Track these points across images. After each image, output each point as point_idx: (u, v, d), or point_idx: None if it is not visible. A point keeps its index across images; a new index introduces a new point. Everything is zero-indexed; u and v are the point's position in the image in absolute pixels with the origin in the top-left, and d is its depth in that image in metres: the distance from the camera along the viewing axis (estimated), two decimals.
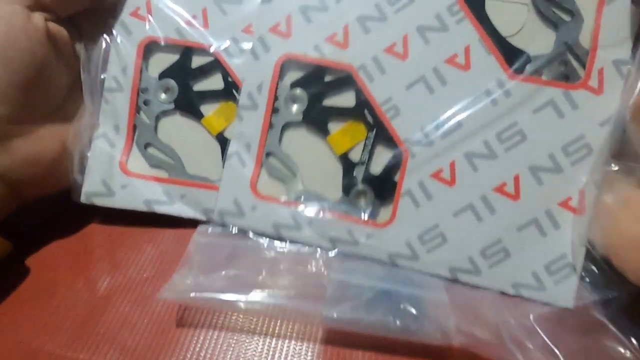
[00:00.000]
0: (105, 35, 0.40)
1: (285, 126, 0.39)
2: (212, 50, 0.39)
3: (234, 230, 0.39)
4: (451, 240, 0.37)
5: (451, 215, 0.37)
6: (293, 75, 0.39)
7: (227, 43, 0.39)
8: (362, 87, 0.38)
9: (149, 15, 0.40)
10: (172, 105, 0.40)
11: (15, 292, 0.36)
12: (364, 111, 0.38)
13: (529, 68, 0.36)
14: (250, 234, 0.38)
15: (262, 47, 0.39)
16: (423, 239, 0.37)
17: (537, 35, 0.37)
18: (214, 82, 0.40)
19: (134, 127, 0.40)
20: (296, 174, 0.39)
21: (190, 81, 0.40)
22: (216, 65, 0.40)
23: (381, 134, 0.38)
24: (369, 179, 0.38)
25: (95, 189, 0.40)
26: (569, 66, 0.36)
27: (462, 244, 0.36)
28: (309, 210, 0.38)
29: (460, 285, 0.36)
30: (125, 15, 0.40)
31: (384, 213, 0.38)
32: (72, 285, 0.36)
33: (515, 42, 0.37)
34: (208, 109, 0.40)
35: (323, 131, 0.39)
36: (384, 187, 0.38)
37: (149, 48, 0.40)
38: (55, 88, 0.38)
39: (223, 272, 0.36)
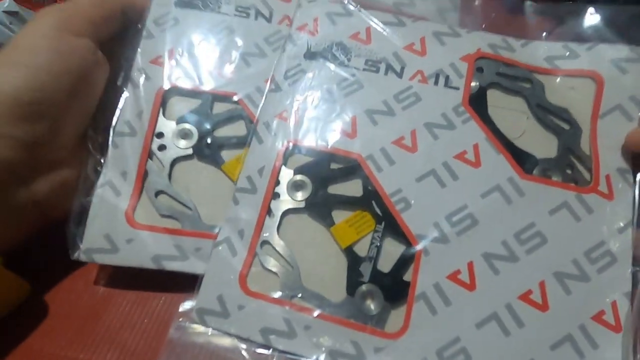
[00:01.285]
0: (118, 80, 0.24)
1: (286, 213, 0.22)
2: (236, 98, 0.24)
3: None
4: (476, 358, 0.19)
5: (474, 326, 0.20)
6: (298, 161, 0.23)
7: (251, 91, 0.25)
8: (370, 177, 0.23)
9: (171, 63, 0.25)
10: (190, 151, 0.24)
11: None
12: (371, 202, 0.22)
13: (537, 170, 0.23)
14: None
15: (267, 132, 0.24)
16: (443, 355, 0.19)
17: (539, 140, 0.23)
18: (236, 129, 0.24)
19: (145, 174, 0.23)
20: (294, 267, 0.22)
21: (211, 127, 0.24)
22: (239, 112, 0.24)
23: (391, 227, 0.21)
24: (377, 277, 0.21)
25: (96, 244, 0.22)
26: (575, 170, 0.23)
27: None
28: (306, 312, 0.20)
29: None
30: (144, 63, 0.25)
31: (395, 319, 0.20)
32: (73, 285, 0.23)
33: (521, 144, 0.23)
34: (229, 155, 0.24)
35: (327, 220, 0.22)
36: (394, 288, 0.20)
37: (168, 93, 0.25)
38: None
39: None
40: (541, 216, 0.21)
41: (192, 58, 0.25)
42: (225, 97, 0.25)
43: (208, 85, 0.25)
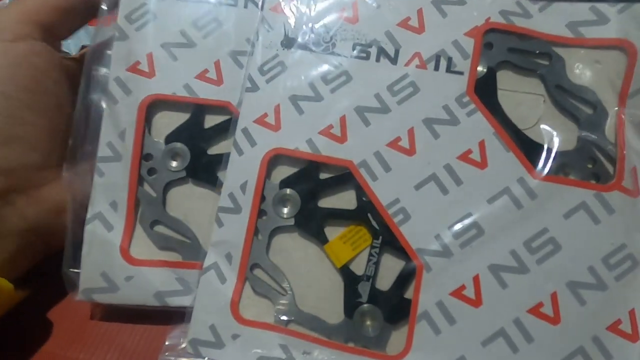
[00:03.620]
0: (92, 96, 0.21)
1: (274, 232, 0.21)
2: (231, 106, 0.21)
3: None
4: None
5: (479, 344, 0.19)
6: (282, 173, 0.21)
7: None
8: (364, 187, 0.21)
9: (152, 70, 0.21)
10: (183, 173, 0.21)
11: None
12: (367, 214, 0.20)
13: (553, 166, 0.21)
14: None
15: (246, 141, 0.21)
16: None
17: (557, 129, 0.21)
18: (232, 143, 0.21)
19: (136, 203, 0.21)
20: (287, 290, 0.21)
21: (204, 144, 0.22)
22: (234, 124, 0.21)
23: (388, 241, 0.20)
24: (376, 297, 0.20)
25: (94, 284, 0.20)
26: (597, 164, 0.20)
27: None
28: (303, 337, 0.20)
29: None
30: (120, 71, 0.21)
31: (397, 340, 0.20)
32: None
33: (535, 136, 0.21)
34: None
35: (319, 238, 0.20)
36: (394, 307, 0.19)
37: (152, 107, 0.22)
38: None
39: None
40: (555, 221, 0.19)
41: (175, 61, 0.21)
42: (218, 108, 0.21)
43: (197, 95, 0.21)
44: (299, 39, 0.22)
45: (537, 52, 0.21)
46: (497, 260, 0.19)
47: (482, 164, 0.20)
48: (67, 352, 0.21)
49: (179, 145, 0.22)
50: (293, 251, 0.21)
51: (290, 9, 0.22)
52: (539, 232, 0.19)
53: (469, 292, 0.19)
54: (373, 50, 0.21)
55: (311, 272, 0.20)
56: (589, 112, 0.20)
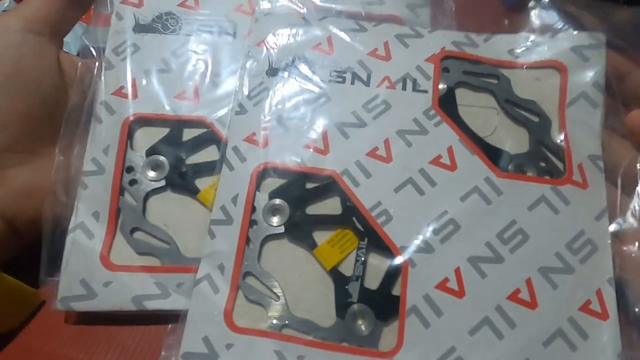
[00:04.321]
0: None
1: (265, 240, 0.22)
2: (207, 120, 0.24)
3: None
4: None
5: (467, 333, 0.20)
6: (271, 185, 0.23)
7: (221, 113, 0.24)
8: (348, 193, 0.22)
9: (135, 93, 0.24)
10: (162, 183, 0.23)
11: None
12: (352, 218, 0.22)
13: (512, 166, 0.23)
14: None
15: (236, 157, 0.23)
16: None
17: (511, 135, 0.24)
18: (209, 154, 0.24)
19: (117, 212, 0.22)
20: (279, 295, 0.21)
21: (183, 155, 0.24)
22: (210, 137, 0.24)
23: (374, 242, 0.21)
24: (366, 296, 0.20)
25: (72, 292, 0.21)
26: (549, 163, 0.23)
27: None
28: (297, 341, 0.20)
29: None
30: (107, 95, 0.24)
31: (388, 336, 0.20)
32: None
33: (493, 141, 0.23)
34: (203, 183, 0.23)
35: (308, 243, 0.21)
36: (384, 304, 0.20)
37: (134, 124, 0.24)
38: (57, 120, 0.23)
39: None
40: (521, 213, 0.21)
41: (156, 85, 0.24)
42: (194, 123, 0.24)
43: (176, 112, 0.24)
44: (283, 68, 0.25)
45: (487, 73, 0.25)
46: (474, 252, 0.21)
47: (452, 167, 0.22)
48: (67, 352, 0.21)
49: (159, 157, 0.23)
50: (284, 257, 0.21)
51: (273, 43, 0.25)
52: (508, 224, 0.21)
53: (452, 284, 0.20)
54: (348, 76, 0.24)
55: (302, 276, 0.21)
56: (536, 120, 0.24)
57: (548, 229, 0.21)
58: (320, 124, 0.23)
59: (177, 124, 0.24)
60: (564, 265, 0.20)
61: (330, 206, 0.22)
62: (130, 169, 0.23)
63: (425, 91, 0.24)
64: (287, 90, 0.24)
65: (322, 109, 0.24)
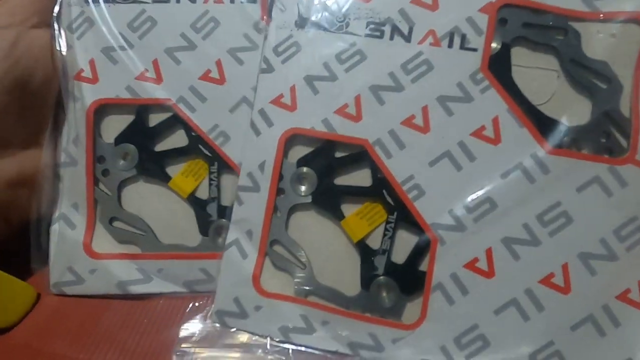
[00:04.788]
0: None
1: (293, 209, 0.21)
2: (170, 104, 0.22)
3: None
4: (494, 344, 0.20)
5: (492, 313, 0.20)
6: (299, 152, 0.22)
7: (186, 94, 0.22)
8: (379, 164, 0.21)
9: (95, 76, 0.22)
10: (134, 172, 0.23)
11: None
12: (382, 191, 0.21)
13: (566, 141, 0.21)
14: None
15: (263, 121, 0.22)
16: (461, 342, 0.20)
17: (571, 104, 0.21)
18: (177, 140, 0.23)
19: (95, 202, 0.23)
20: (306, 264, 0.22)
21: (150, 142, 0.23)
22: (177, 121, 0.22)
23: (403, 217, 0.21)
24: (392, 270, 0.21)
25: (63, 278, 0.22)
26: (611, 138, 0.21)
27: (508, 347, 0.19)
28: (322, 308, 0.21)
29: None
30: (69, 80, 0.22)
31: (412, 310, 0.21)
32: None
33: (548, 111, 0.21)
34: (174, 170, 0.23)
35: (336, 214, 0.21)
36: (409, 279, 0.20)
37: (100, 112, 0.23)
38: (44, 113, 0.23)
39: None
40: (568, 194, 0.20)
41: (114, 65, 0.22)
42: (159, 106, 0.22)
43: (139, 95, 0.22)
44: (313, 18, 0.22)
45: (552, 25, 0.21)
46: (510, 234, 0.20)
47: (496, 140, 0.20)
48: (67, 352, 0.21)
49: (128, 145, 0.23)
50: (311, 227, 0.21)
51: None
52: (551, 205, 0.20)
53: (482, 265, 0.20)
54: (387, 29, 0.22)
55: (328, 247, 0.21)
56: (604, 87, 0.21)
57: (596, 213, 0.19)
58: (353, 87, 0.21)
59: (142, 109, 0.23)
60: (608, 252, 0.19)
61: (360, 177, 0.21)
62: (101, 159, 0.23)
63: (475, 49, 0.21)
64: (317, 45, 0.22)
65: (355, 69, 0.22)
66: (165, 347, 0.21)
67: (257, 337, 0.20)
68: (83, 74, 0.22)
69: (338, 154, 0.22)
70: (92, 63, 0.22)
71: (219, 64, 0.22)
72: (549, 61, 0.21)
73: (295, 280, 0.21)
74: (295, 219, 0.22)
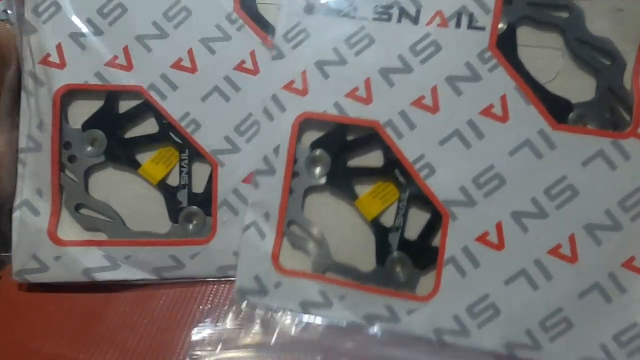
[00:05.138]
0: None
1: (308, 191, 0.22)
2: (140, 90, 0.22)
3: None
4: (505, 312, 0.21)
5: (502, 283, 0.21)
6: (312, 136, 0.22)
7: (157, 82, 0.22)
8: (390, 145, 0.22)
9: (63, 61, 0.22)
10: (102, 158, 0.23)
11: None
12: (394, 171, 0.22)
13: (572, 117, 0.22)
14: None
15: (276, 106, 0.23)
16: (473, 311, 0.21)
17: (575, 81, 0.22)
18: (148, 127, 0.23)
19: (60, 189, 0.22)
20: (322, 243, 0.22)
21: (120, 128, 0.23)
22: (148, 108, 0.22)
23: (415, 194, 0.21)
24: (405, 246, 0.21)
25: (26, 265, 0.22)
26: (615, 113, 0.21)
27: (518, 315, 0.20)
28: (339, 283, 0.22)
29: None
30: (34, 65, 0.22)
31: (425, 283, 0.22)
32: (72, 285, 0.22)
33: (554, 89, 0.22)
34: (144, 157, 0.23)
35: (350, 195, 0.22)
36: (422, 254, 0.21)
37: (67, 97, 0.22)
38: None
39: None
40: (573, 168, 0.20)
41: (82, 50, 0.22)
42: (129, 93, 0.22)
43: (109, 81, 0.22)
44: (321, 2, 0.22)
45: (557, 4, 0.21)
46: (518, 207, 0.20)
47: (504, 118, 0.21)
48: (67, 352, 0.21)
49: (96, 131, 0.22)
50: (326, 208, 0.22)
51: None
52: (558, 179, 0.20)
53: (492, 238, 0.21)
54: (394, 11, 0.22)
55: (343, 226, 0.22)
56: (608, 63, 0.21)
57: (601, 185, 0.20)
58: (362, 70, 0.22)
59: (112, 95, 0.22)
60: (613, 222, 0.20)
61: (372, 158, 0.22)
62: (68, 145, 0.22)
63: (483, 28, 0.21)
64: (326, 30, 0.22)
65: (365, 53, 0.22)
66: (165, 347, 0.21)
67: (266, 336, 0.21)
68: (50, 59, 0.22)
69: (350, 137, 0.22)
70: (59, 48, 0.22)
71: (190, 52, 0.22)
72: (554, 40, 0.22)
73: (312, 258, 0.22)
74: (311, 200, 0.22)
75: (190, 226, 0.22)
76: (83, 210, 0.23)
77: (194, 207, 0.22)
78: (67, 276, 0.22)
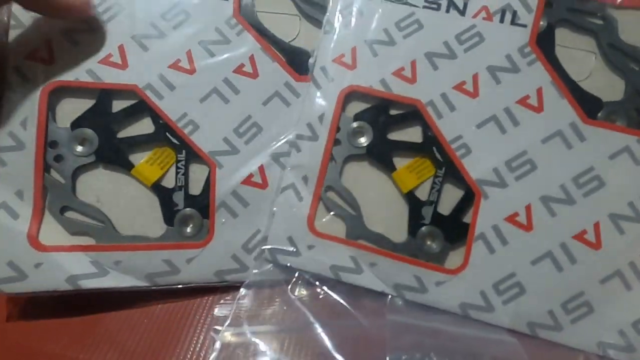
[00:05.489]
0: None
1: (347, 159, 0.23)
2: (137, 88, 0.21)
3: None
4: (530, 291, 0.21)
5: (529, 263, 0.22)
6: (356, 107, 0.23)
7: (154, 81, 0.22)
8: (430, 123, 0.23)
9: (51, 56, 0.21)
10: (92, 158, 0.21)
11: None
12: (432, 148, 0.23)
13: (602, 114, 0.23)
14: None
15: (324, 77, 0.24)
16: (499, 288, 0.21)
17: (606, 82, 0.23)
18: (142, 127, 0.22)
19: (44, 190, 0.21)
20: (357, 211, 0.23)
21: (113, 128, 0.22)
22: (143, 107, 0.22)
23: (451, 172, 0.22)
24: (438, 220, 0.22)
25: (1, 274, 0.20)
26: None
27: (542, 295, 0.21)
28: (371, 251, 0.22)
29: (537, 342, 0.21)
30: (19, 60, 0.21)
31: (454, 257, 0.22)
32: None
33: (586, 87, 0.23)
34: (138, 158, 0.22)
35: (388, 166, 0.23)
36: (454, 229, 0.22)
37: (55, 94, 0.21)
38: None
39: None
40: (601, 160, 0.22)
41: (74, 46, 0.21)
42: (123, 92, 0.21)
43: (101, 79, 0.21)
44: None
45: (593, 12, 0.23)
46: (547, 192, 0.22)
47: (539, 109, 0.22)
48: (67, 352, 0.21)
49: (86, 130, 0.21)
50: (363, 177, 0.23)
51: None
52: (586, 169, 0.22)
53: (522, 219, 0.21)
54: (443, 2, 0.24)
55: (379, 196, 0.23)
56: (637, 69, 0.23)
57: (626, 178, 0.21)
58: (409, 52, 0.23)
59: (105, 93, 0.22)
60: (635, 214, 0.21)
61: (411, 134, 0.23)
62: (54, 144, 0.21)
63: (524, 25, 0.23)
64: (378, 13, 0.24)
65: (413, 37, 0.23)
66: (165, 347, 0.21)
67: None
68: (38, 54, 0.21)
69: (392, 112, 0.23)
70: (48, 43, 0.21)
71: (189, 54, 0.21)
72: (588, 43, 0.23)
73: (347, 225, 0.22)
74: (349, 168, 0.23)
75: (188, 229, 0.21)
76: (69, 214, 0.21)
77: (191, 209, 0.21)
78: (49, 284, 0.20)
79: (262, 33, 0.23)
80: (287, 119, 0.23)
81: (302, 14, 0.24)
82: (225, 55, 0.22)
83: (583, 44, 0.23)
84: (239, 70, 0.22)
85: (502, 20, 0.23)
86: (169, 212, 0.22)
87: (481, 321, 0.21)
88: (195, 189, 0.22)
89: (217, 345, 0.20)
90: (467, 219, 0.22)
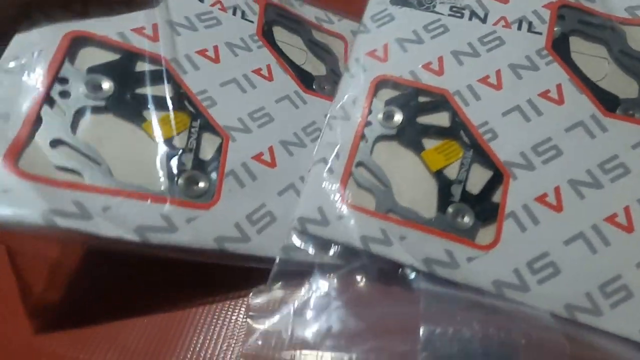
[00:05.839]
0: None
1: (378, 139, 0.24)
2: (163, 61, 0.22)
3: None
4: (565, 272, 0.21)
5: (562, 243, 0.21)
6: (387, 94, 0.25)
7: (180, 59, 0.23)
8: (458, 110, 0.24)
9: (85, 10, 0.22)
10: (102, 103, 0.21)
11: (13, 292, 0.22)
12: (459, 132, 0.24)
13: (619, 110, 0.25)
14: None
15: (358, 67, 0.26)
16: (533, 267, 0.21)
17: (621, 82, 0.25)
18: (161, 90, 0.22)
19: (38, 120, 0.19)
20: (387, 185, 0.24)
21: (132, 83, 0.22)
22: (166, 75, 0.22)
23: (479, 154, 0.23)
24: (467, 198, 0.22)
25: None
26: None
27: (578, 276, 0.20)
28: (401, 224, 0.22)
29: (576, 327, 0.20)
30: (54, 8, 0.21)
31: (484, 235, 0.22)
32: (72, 285, 0.22)
33: (603, 85, 0.25)
34: (153, 115, 0.21)
35: (417, 147, 0.24)
36: (484, 207, 0.22)
37: (78, 41, 0.21)
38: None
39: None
40: (624, 149, 0.22)
41: (110, 11, 0.22)
42: (150, 58, 0.22)
43: (131, 42, 0.22)
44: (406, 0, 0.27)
45: (602, 25, 0.26)
46: (574, 176, 0.22)
47: (560, 101, 0.24)
48: (67, 352, 0.21)
49: (102, 77, 0.21)
50: (393, 155, 0.24)
51: None
52: (610, 157, 0.22)
53: (551, 199, 0.22)
54: (466, 12, 0.27)
55: (408, 174, 0.23)
56: None
57: None
58: (436, 49, 0.26)
59: (130, 54, 0.22)
60: None
61: (439, 119, 0.24)
62: (64, 80, 0.20)
63: (540, 33, 0.26)
64: (408, 18, 0.27)
65: (439, 38, 0.26)
66: (165, 347, 0.21)
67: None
68: (73, 7, 0.21)
69: (421, 99, 0.25)
70: (85, 1, 0.22)
71: (215, 49, 0.24)
72: (600, 50, 0.26)
73: (376, 198, 0.23)
74: (380, 147, 0.24)
75: (195, 187, 0.21)
76: (61, 148, 0.19)
77: (198, 172, 0.21)
78: (17, 215, 0.17)
79: (280, 54, 0.27)
80: (296, 119, 0.25)
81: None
82: (247, 58, 0.25)
83: (595, 51, 0.26)
84: (257, 71, 0.25)
85: (519, 29, 0.26)
86: (174, 169, 0.21)
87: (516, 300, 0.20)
88: (206, 154, 0.22)
89: (255, 329, 0.20)
90: (496, 198, 0.22)
